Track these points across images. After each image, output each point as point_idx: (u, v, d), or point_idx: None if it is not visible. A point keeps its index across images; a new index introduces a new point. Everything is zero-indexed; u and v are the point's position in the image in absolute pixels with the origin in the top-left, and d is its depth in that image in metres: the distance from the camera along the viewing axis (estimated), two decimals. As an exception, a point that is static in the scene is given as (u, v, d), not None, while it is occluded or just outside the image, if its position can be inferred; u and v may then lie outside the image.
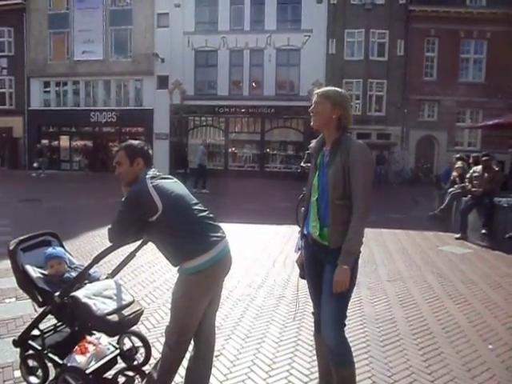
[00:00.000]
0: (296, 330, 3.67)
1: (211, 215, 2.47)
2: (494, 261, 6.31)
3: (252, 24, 21.92)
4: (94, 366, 2.59)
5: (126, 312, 2.59)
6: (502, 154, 16.48)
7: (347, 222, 2.19)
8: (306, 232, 2.45)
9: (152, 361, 2.90)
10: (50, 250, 2.86)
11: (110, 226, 2.39)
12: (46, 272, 2.76)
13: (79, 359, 2.58)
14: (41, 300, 2.65)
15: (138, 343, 2.97)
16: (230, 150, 23.22)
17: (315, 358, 2.96)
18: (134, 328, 2.91)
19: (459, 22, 20.41)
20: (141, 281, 4.99)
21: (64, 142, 25.40)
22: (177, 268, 2.39)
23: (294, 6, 21.65)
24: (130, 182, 2.45)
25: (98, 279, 2.84)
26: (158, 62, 22.43)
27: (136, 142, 2.55)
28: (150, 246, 2.63)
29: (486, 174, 7.66)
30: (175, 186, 2.46)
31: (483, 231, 7.36)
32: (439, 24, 20.55)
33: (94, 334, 2.86)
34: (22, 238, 2.84)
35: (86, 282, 2.75)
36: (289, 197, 13.35)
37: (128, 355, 2.96)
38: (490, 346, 3.44)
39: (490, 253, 6.80)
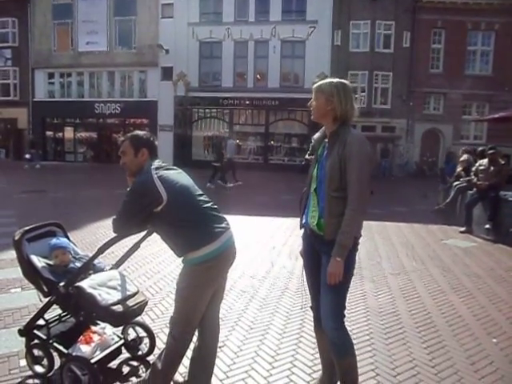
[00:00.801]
0: (300, 321, 3.68)
1: (215, 206, 2.47)
2: (499, 255, 6.29)
3: (257, 15, 21.73)
4: (98, 355, 2.61)
5: (130, 302, 2.60)
6: (508, 147, 16.30)
7: (343, 214, 2.19)
8: (304, 222, 2.46)
9: (156, 351, 2.92)
10: (54, 240, 2.87)
11: (114, 217, 2.39)
12: (51, 262, 2.78)
13: (84, 349, 2.60)
14: (46, 290, 2.66)
15: (143, 333, 2.99)
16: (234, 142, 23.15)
17: (318, 348, 2.98)
18: (139, 318, 2.92)
19: (467, 12, 20.15)
20: (145, 272, 5.01)
21: (68, 133, 25.42)
22: (181, 259, 2.39)
23: (300, -3, 21.45)
24: (134, 173, 2.45)
25: (102, 270, 2.85)
26: (163, 53, 22.33)
27: (142, 133, 2.54)
28: (155, 237, 2.63)
29: (491, 168, 7.60)
30: (180, 176, 2.46)
31: (488, 226, 7.33)
32: (446, 15, 20.29)
33: (98, 324, 2.88)
34: (27, 228, 2.85)
35: (91, 272, 2.76)
36: (293, 189, 13.32)
37: (132, 345, 2.98)
38: (494, 340, 3.43)
39: (495, 246, 6.78)
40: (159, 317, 3.72)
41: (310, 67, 20.92)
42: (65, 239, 2.97)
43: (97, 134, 25.06)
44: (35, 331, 2.74)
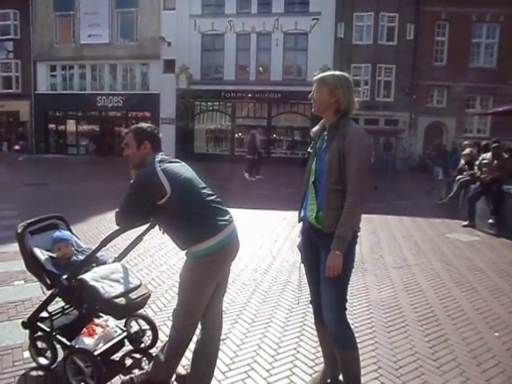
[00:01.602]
0: (302, 314, 3.68)
1: (219, 199, 2.47)
2: (502, 249, 6.28)
3: (259, 7, 21.55)
4: (101, 348, 2.63)
5: (133, 295, 2.61)
6: (512, 141, 16.27)
7: (341, 208, 2.18)
8: (302, 215, 2.44)
9: (159, 344, 2.93)
10: (56, 233, 2.88)
11: (117, 210, 2.39)
12: (53, 255, 2.78)
13: (87, 341, 2.61)
14: (49, 283, 2.67)
15: (145, 326, 3.00)
16: (236, 135, 23.12)
17: (319, 341, 2.98)
18: (141, 311, 2.93)
19: (471, 4, 19.89)
20: (148, 264, 5.02)
21: (70, 126, 25.39)
22: (184, 252, 2.39)
23: (302, -12, 21.26)
24: (137, 165, 2.45)
25: (105, 262, 2.85)
26: (165, 45, 22.22)
27: (145, 125, 2.53)
28: (157, 230, 2.63)
29: (495, 161, 7.57)
30: (183, 169, 2.45)
31: (491, 220, 7.30)
32: (450, 7, 20.06)
33: (101, 317, 2.89)
34: (29, 221, 2.85)
35: (94, 265, 2.77)
36: (295, 182, 13.29)
37: (135, 338, 2.99)
38: (496, 334, 3.43)
39: (498, 241, 6.76)
40: (162, 309, 3.73)
41: (313, 60, 20.78)
42: (67, 232, 2.98)
43: (99, 126, 25.03)
44: (38, 323, 2.75)
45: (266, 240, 6.36)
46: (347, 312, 2.35)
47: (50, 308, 2.77)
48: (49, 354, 2.74)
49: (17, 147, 21.06)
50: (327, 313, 2.29)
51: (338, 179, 2.19)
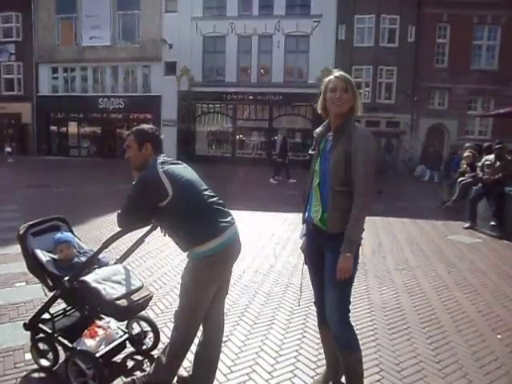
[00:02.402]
0: (304, 316, 3.68)
1: (221, 201, 2.47)
2: (504, 251, 6.26)
3: (261, 9, 21.56)
4: (103, 349, 2.62)
5: (134, 297, 2.60)
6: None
7: (347, 209, 2.18)
8: (306, 217, 2.44)
9: (160, 345, 2.93)
10: (58, 234, 2.88)
11: (119, 211, 2.39)
12: (55, 257, 2.78)
13: (89, 343, 2.60)
14: (51, 284, 2.67)
15: (147, 328, 3.00)
16: (237, 137, 23.13)
17: (322, 343, 2.97)
18: (143, 313, 2.92)
19: (473, 6, 19.86)
20: (149, 266, 5.02)
21: (72, 128, 25.41)
22: (186, 253, 2.39)
23: (304, -9, 21.28)
24: (139, 167, 2.45)
25: (106, 264, 2.85)
26: (166, 47, 22.24)
27: (147, 127, 2.53)
28: (159, 232, 2.62)
29: (498, 163, 7.56)
30: (185, 171, 2.45)
31: (493, 222, 7.28)
32: (452, 9, 20.04)
33: (103, 319, 2.89)
34: (31, 222, 2.85)
35: (96, 266, 2.77)
36: (297, 184, 13.32)
37: (137, 340, 2.99)
38: (499, 336, 3.42)
39: (500, 243, 6.75)
40: (163, 311, 3.73)
41: (314, 62, 20.79)
42: (69, 233, 2.98)
43: (101, 129, 25.04)
44: (40, 325, 2.75)
45: (268, 241, 6.36)
46: (349, 314, 2.35)
47: (52, 310, 2.78)
48: (50, 355, 2.74)
49: (9, 149, 21.11)
50: (331, 314, 2.29)
51: (343, 181, 2.19)
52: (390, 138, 21.00)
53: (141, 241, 2.93)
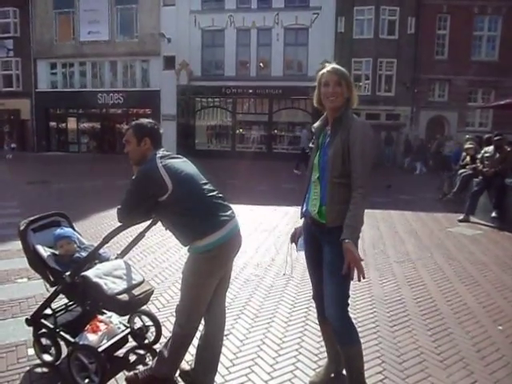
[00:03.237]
0: (305, 309, 3.68)
1: (221, 195, 2.46)
2: (505, 242, 6.26)
3: (259, 2, 21.43)
4: (105, 344, 2.63)
5: (136, 291, 2.61)
6: (514, 134, 16.19)
7: (345, 201, 2.17)
8: (304, 211, 2.45)
9: (162, 339, 2.94)
10: (58, 230, 2.87)
11: (119, 206, 2.39)
12: (56, 252, 2.78)
13: (91, 338, 2.61)
14: (52, 280, 2.68)
15: (149, 322, 3.01)
16: (237, 131, 23.09)
17: (322, 336, 2.98)
18: (145, 307, 2.93)
19: (473, -3, 19.78)
20: (150, 261, 5.03)
21: (71, 123, 25.40)
22: (187, 248, 2.39)
23: (303, -18, 21.13)
24: (138, 162, 2.45)
25: (107, 259, 2.85)
26: (165, 42, 22.14)
27: (146, 122, 2.52)
28: (159, 227, 2.62)
29: (497, 155, 7.54)
30: (185, 165, 2.45)
31: (494, 214, 7.27)
32: (452, 0, 19.94)
33: (105, 314, 2.90)
34: (32, 218, 2.85)
35: (96, 262, 2.77)
36: (297, 178, 13.32)
37: (139, 334, 3.00)
38: (500, 327, 3.43)
39: (501, 234, 6.75)
40: (165, 306, 3.74)
41: (314, 55, 20.69)
42: (69, 229, 2.98)
43: (100, 124, 25.03)
44: (42, 320, 2.76)
45: (269, 235, 6.36)
46: (350, 307, 2.35)
47: (54, 305, 2.78)
48: (53, 350, 2.75)
49: (13, 145, 21.14)
50: (330, 308, 2.28)
51: (342, 173, 2.18)
52: (390, 131, 20.95)
53: (141, 235, 2.93)
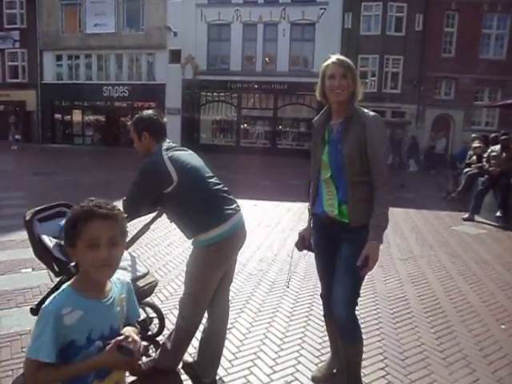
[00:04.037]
0: (308, 304, 3.69)
1: (226, 188, 2.46)
2: (509, 241, 6.24)
3: (266, -4, 21.35)
4: (109, 335, 2.63)
5: (140, 283, 2.61)
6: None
7: (366, 199, 2.14)
8: (318, 212, 2.34)
9: (166, 331, 2.95)
10: (64, 220, 2.87)
11: (124, 198, 2.39)
12: (61, 242, 2.79)
13: (95, 328, 2.62)
14: (57, 270, 2.68)
15: (153, 314, 3.02)
16: (242, 126, 23.06)
17: (326, 332, 2.98)
18: (149, 299, 2.94)
19: (483, -6, 19.60)
20: (154, 253, 5.05)
21: (77, 116, 25.42)
22: (191, 240, 2.39)
23: (310, -23, 20.99)
24: (144, 155, 2.45)
25: (112, 251, 2.85)
26: (171, 35, 22.07)
27: (144, 115, 2.49)
28: (164, 220, 2.62)
29: (504, 154, 7.49)
30: (191, 157, 2.44)
31: (498, 213, 7.24)
32: (461, -3, 19.78)
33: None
34: (37, 208, 2.85)
35: (101, 253, 2.77)
36: (301, 174, 13.28)
37: (142, 325, 3.00)
38: (503, 326, 3.42)
39: (505, 233, 6.72)
40: (168, 298, 3.75)
41: (320, 51, 20.55)
42: (75, 220, 2.98)
43: (105, 117, 25.03)
44: (47, 310, 2.76)
45: (272, 230, 6.36)
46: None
47: (58, 295, 2.79)
48: (57, 340, 2.76)
49: (17, 137, 21.17)
50: (339, 307, 2.20)
51: (360, 170, 2.13)
52: (395, 129, 20.85)
53: (146, 227, 2.92)
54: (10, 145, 20.39)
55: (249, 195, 8.83)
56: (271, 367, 2.72)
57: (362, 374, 2.42)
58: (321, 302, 2.58)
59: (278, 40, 21.51)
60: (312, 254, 2.56)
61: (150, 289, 2.68)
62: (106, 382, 1.36)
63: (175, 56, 22.53)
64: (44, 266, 2.81)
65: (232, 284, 2.71)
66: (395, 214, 7.93)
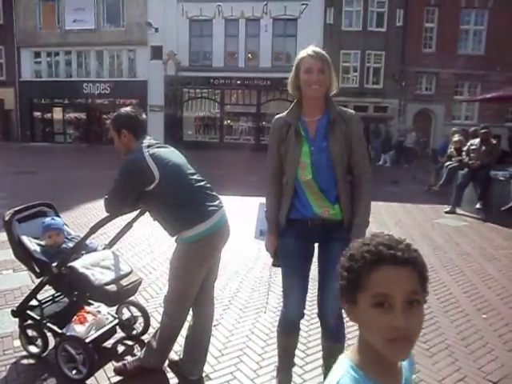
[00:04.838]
0: (293, 300, 3.70)
1: (209, 185, 2.45)
2: (489, 233, 6.37)
3: (248, -9, 21.25)
4: (93, 335, 2.61)
5: (124, 282, 2.59)
6: (499, 127, 16.40)
7: (352, 196, 2.12)
8: (307, 215, 2.13)
9: (151, 330, 2.93)
10: (48, 220, 2.82)
11: (106, 196, 2.36)
12: (42, 243, 2.74)
13: (78, 329, 2.59)
14: (38, 271, 2.64)
15: (137, 313, 3.00)
16: (225, 122, 22.97)
17: (312, 327, 3.01)
18: (133, 298, 2.92)
19: (460, -10, 19.87)
20: (138, 252, 5.00)
21: (57, 114, 24.93)
22: (174, 238, 2.37)
23: (291, -28, 20.96)
24: (125, 153, 2.42)
25: (95, 250, 2.83)
26: (152, 31, 21.81)
27: (122, 112, 2.47)
28: (147, 218, 2.60)
29: (483, 147, 7.63)
30: (172, 155, 2.42)
31: (478, 205, 7.38)
32: (440, -8, 20.03)
33: (92, 304, 2.87)
34: (17, 208, 2.80)
35: (83, 252, 2.74)
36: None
37: (127, 325, 2.98)
38: (484, 316, 3.50)
39: (485, 225, 6.86)
40: (153, 297, 3.72)
41: (302, 46, 19.05)
42: (60, 220, 2.93)
43: (86, 114, 24.62)
44: (28, 312, 2.72)
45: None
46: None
47: (40, 296, 2.75)
48: (39, 342, 2.72)
49: None
50: (332, 307, 2.10)
51: (347, 168, 2.10)
52: (377, 123, 21.03)
53: (129, 226, 2.90)
54: None
55: (233, 191, 8.81)
56: (257, 362, 2.73)
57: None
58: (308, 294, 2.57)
59: (261, 36, 21.46)
60: None
61: (134, 287, 2.66)
62: None
63: (157, 52, 22.27)
64: (25, 268, 2.77)
65: (217, 281, 2.71)
66: (379, 207, 8.01)
